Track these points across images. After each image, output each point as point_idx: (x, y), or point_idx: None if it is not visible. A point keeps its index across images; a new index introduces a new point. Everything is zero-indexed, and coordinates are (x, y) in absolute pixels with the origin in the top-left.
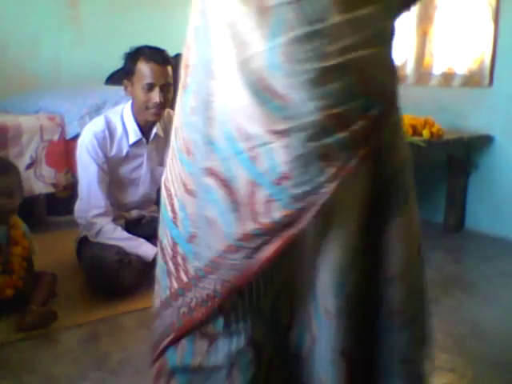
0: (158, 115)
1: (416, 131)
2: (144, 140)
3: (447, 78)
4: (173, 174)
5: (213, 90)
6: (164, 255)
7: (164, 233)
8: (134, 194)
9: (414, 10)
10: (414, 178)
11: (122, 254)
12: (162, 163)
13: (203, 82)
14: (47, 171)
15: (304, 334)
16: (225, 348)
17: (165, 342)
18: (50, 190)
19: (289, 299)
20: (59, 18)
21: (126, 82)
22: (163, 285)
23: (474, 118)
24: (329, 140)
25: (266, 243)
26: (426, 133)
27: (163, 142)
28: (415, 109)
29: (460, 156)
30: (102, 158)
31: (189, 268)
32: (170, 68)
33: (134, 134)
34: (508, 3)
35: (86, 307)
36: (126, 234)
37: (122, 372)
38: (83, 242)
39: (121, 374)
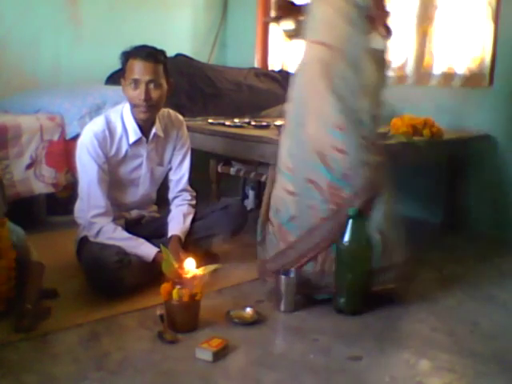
0: (146, 112)
1: (416, 131)
2: (144, 139)
3: (447, 78)
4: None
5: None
6: (322, 191)
7: (321, 179)
8: (134, 194)
9: (414, 9)
10: (414, 177)
11: (122, 254)
12: (161, 163)
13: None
14: (47, 171)
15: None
16: None
17: (331, 240)
18: (50, 190)
19: None
20: (59, 17)
21: (122, 81)
22: (322, 208)
23: (474, 118)
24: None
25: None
26: (426, 133)
27: (163, 142)
28: (415, 109)
29: (460, 156)
30: (103, 158)
31: (341, 195)
32: (159, 66)
33: (134, 133)
34: (508, 3)
35: (86, 307)
36: (125, 234)
37: (122, 372)
38: (83, 242)
39: (121, 374)
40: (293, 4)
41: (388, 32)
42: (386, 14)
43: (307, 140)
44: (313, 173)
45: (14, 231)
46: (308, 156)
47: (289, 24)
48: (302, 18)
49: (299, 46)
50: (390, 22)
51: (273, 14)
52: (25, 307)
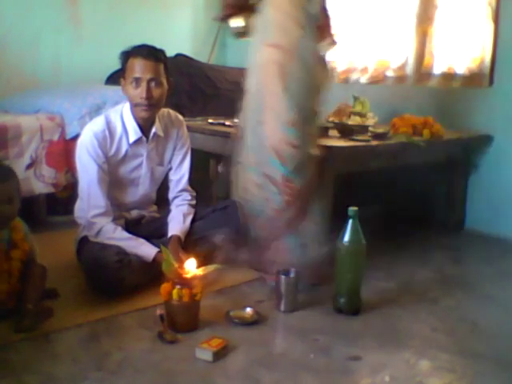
0: (147, 111)
1: (416, 131)
2: (144, 138)
3: (447, 78)
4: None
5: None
6: (277, 185)
7: (276, 173)
8: (134, 194)
9: (414, 9)
10: (415, 178)
11: (122, 254)
12: (161, 163)
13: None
14: (47, 171)
15: None
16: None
17: (284, 231)
18: (50, 190)
19: None
20: (59, 17)
21: (122, 80)
22: (276, 200)
23: (474, 118)
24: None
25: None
26: (426, 133)
27: (163, 142)
28: (415, 109)
29: (460, 156)
30: (103, 158)
31: (293, 187)
32: (160, 65)
33: (134, 132)
34: (508, 3)
35: (85, 307)
36: (126, 234)
37: (122, 372)
38: (83, 242)
39: (121, 374)
40: (245, 1)
41: (333, 40)
42: (330, 23)
43: (265, 136)
44: (269, 167)
45: (24, 226)
46: (265, 151)
47: (239, 22)
48: (251, 15)
49: (250, 46)
50: (335, 31)
51: (222, 12)
52: (26, 307)
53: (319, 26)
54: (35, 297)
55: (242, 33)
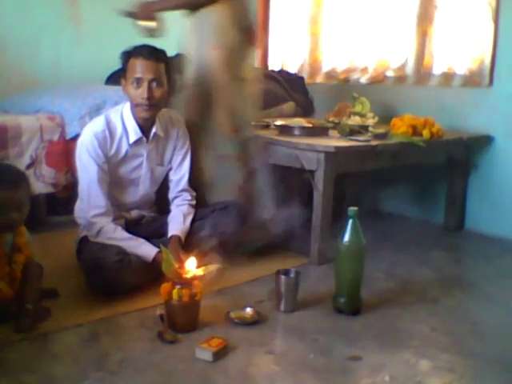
0: (148, 111)
1: (416, 131)
2: (144, 139)
3: (447, 78)
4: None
5: None
6: (234, 161)
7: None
8: (134, 194)
9: (414, 9)
10: (414, 177)
11: (122, 254)
12: (161, 163)
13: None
14: (47, 171)
15: None
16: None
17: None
18: (50, 190)
19: None
20: (59, 18)
21: (122, 80)
22: (242, 174)
23: (474, 118)
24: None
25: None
26: (426, 133)
27: (163, 142)
28: (415, 109)
29: (460, 156)
30: (103, 158)
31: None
32: (161, 65)
33: (134, 132)
34: (508, 3)
35: (86, 307)
36: (126, 234)
37: (121, 372)
38: (83, 242)
39: (121, 374)
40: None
41: (256, 45)
42: (254, 31)
43: (219, 125)
44: (226, 149)
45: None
46: (221, 136)
47: (150, 23)
48: (161, 16)
49: (192, 45)
50: (255, 35)
51: (134, 11)
52: (25, 307)
53: (248, 33)
54: (34, 297)
55: (152, 33)
